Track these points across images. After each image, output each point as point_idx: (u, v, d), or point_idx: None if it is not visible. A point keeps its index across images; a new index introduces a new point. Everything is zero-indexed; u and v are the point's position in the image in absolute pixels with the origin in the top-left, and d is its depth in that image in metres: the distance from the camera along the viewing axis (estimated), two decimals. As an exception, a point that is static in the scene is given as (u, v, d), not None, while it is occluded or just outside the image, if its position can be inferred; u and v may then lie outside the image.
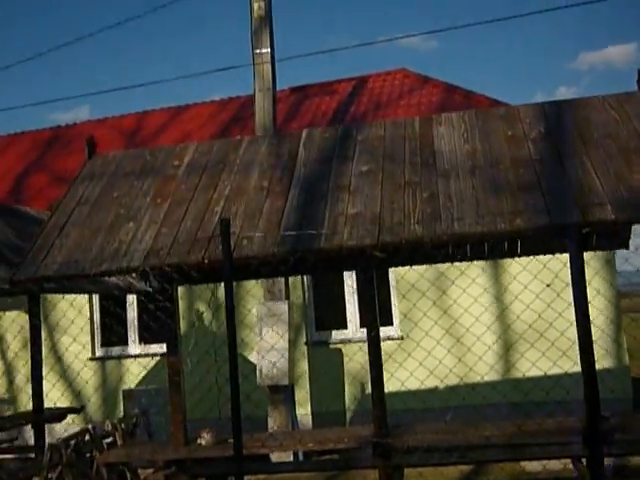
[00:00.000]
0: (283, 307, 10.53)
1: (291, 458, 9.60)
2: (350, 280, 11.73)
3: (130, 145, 14.47)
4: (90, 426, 8.07)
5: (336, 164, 5.94)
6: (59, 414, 9.42)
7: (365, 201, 5.43)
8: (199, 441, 6.47)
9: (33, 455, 9.21)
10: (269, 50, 10.84)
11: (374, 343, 6.16)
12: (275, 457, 8.80)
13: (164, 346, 12.17)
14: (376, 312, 6.18)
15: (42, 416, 9.14)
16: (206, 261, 5.23)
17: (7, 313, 12.73)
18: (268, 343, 10.37)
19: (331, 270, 5.85)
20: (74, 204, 6.18)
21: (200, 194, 5.95)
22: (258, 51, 10.86)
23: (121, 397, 11.51)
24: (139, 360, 12.22)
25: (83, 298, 12.28)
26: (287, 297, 10.81)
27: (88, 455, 7.69)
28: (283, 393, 10.63)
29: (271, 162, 6.18)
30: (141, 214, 5.87)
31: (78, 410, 9.89)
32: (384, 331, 11.42)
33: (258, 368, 10.53)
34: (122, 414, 11.08)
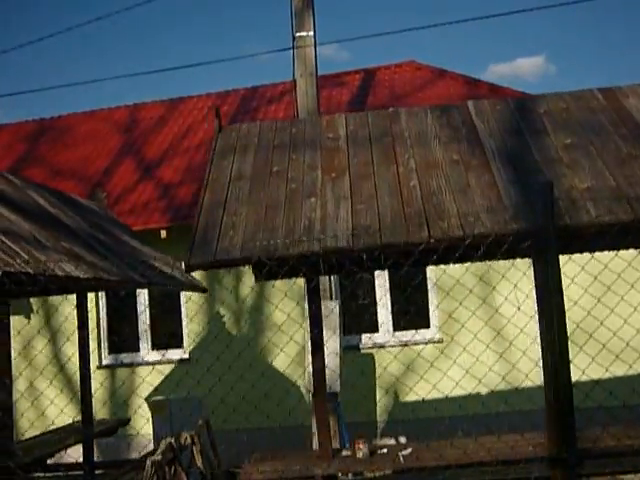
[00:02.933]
0: (333, 306, 9.76)
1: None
2: (382, 279, 11.08)
3: (129, 139, 13.36)
4: (172, 440, 7.13)
5: (530, 137, 5.36)
6: (109, 428, 8.36)
7: (590, 175, 4.85)
8: (357, 453, 5.69)
9: (81, 473, 8.15)
10: (312, 33, 10.13)
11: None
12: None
13: (180, 352, 11.39)
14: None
15: (92, 429, 8.08)
16: (432, 240, 4.52)
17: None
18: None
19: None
20: (226, 180, 5.35)
21: (381, 168, 5.25)
22: (300, 34, 10.11)
23: (134, 408, 10.52)
24: (153, 368, 11.12)
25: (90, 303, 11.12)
26: (331, 296, 10.08)
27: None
28: (330, 402, 9.85)
29: (447, 134, 5.54)
30: (319, 189, 5.11)
31: (127, 422, 8.86)
32: (421, 334, 10.95)
33: (307, 374, 9.74)
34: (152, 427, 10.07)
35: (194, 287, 8.37)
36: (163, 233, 10.38)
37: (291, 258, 4.57)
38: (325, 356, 9.31)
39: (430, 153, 5.33)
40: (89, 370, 8.44)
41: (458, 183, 4.97)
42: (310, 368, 9.52)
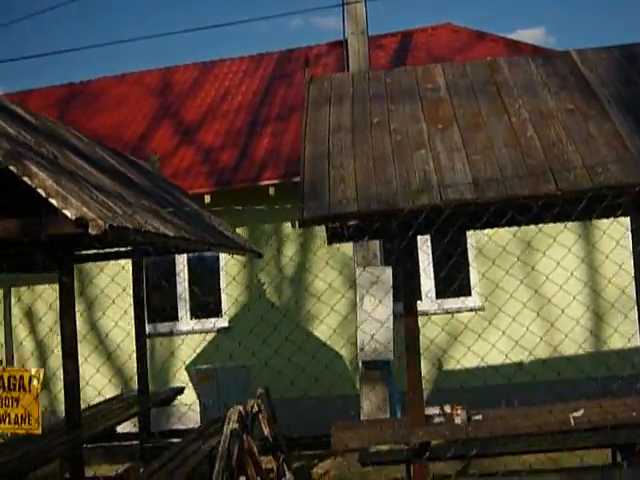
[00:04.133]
0: (386, 273, 9.46)
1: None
2: (425, 246, 10.77)
3: (164, 103, 12.99)
4: (241, 408, 6.87)
5: (645, 85, 5.04)
6: (167, 397, 8.11)
7: None
8: (455, 419, 5.43)
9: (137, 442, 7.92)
10: (362, -12, 9.77)
11: None
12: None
13: (219, 321, 11.12)
14: None
15: (149, 399, 7.82)
16: (560, 192, 4.24)
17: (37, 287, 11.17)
18: (369, 313, 9.31)
19: None
20: (325, 131, 5.05)
21: (492, 118, 4.96)
22: (350, -8, 9.76)
23: (174, 378, 10.30)
24: (191, 337, 10.84)
25: (124, 269, 10.77)
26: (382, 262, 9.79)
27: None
28: (381, 369, 9.61)
29: (556, 83, 5.23)
30: (427, 141, 4.81)
31: (182, 391, 8.61)
32: (462, 302, 10.69)
33: (359, 341, 9.47)
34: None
35: (252, 251, 8.09)
36: (207, 198, 10.08)
37: (411, 211, 4.28)
38: (377, 323, 9.20)
39: (542, 103, 5.04)
40: (145, 338, 8.19)
41: (579, 133, 4.69)
42: (364, 336, 9.31)
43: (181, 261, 11.10)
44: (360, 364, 9.66)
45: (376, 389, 9.50)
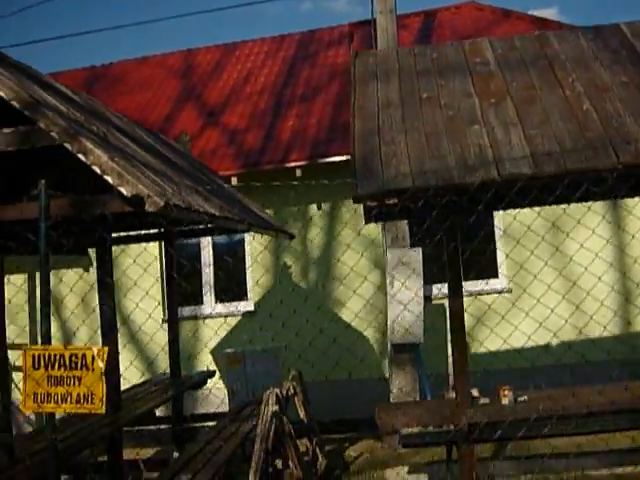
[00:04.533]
0: (416, 255, 9.37)
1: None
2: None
3: (187, 85, 12.88)
4: (277, 390, 6.82)
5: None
6: (198, 380, 8.07)
7: None
8: (502, 400, 5.37)
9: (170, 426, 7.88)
10: (391, -34, 9.64)
11: None
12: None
13: (244, 304, 11.05)
14: None
15: (181, 382, 7.78)
16: (621, 165, 4.15)
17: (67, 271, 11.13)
18: (399, 295, 9.23)
19: None
20: (374, 107, 4.96)
21: (545, 92, 4.85)
22: (380, -33, 9.64)
23: (199, 361, 10.24)
24: (216, 320, 10.77)
25: (147, 251, 10.68)
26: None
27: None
28: (411, 352, 9.54)
29: (607, 56, 5.13)
30: (480, 115, 4.71)
31: (213, 374, 8.57)
32: (488, 284, 10.55)
33: (389, 324, 9.41)
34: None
35: (284, 232, 8.02)
36: (234, 180, 10.00)
37: (470, 186, 4.20)
38: (408, 304, 9.11)
39: (595, 76, 4.93)
40: (177, 321, 8.13)
41: (635, 106, 4.59)
42: (394, 319, 9.24)
43: (205, 244, 11.04)
44: (389, 347, 9.59)
45: (406, 372, 9.43)
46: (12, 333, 10.80)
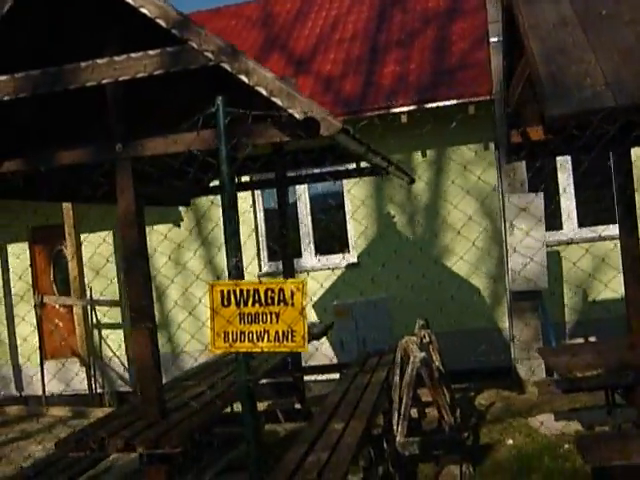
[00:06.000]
0: (537, 200, 8.98)
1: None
2: (565, 169, 10.18)
3: (269, 34, 12.56)
4: (415, 338, 6.57)
5: None
6: (319, 331, 7.89)
7: None
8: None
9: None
10: None
11: None
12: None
13: (347, 256, 10.76)
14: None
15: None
16: None
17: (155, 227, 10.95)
18: (520, 243, 8.86)
19: None
20: (548, 27, 4.58)
21: None
22: None
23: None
24: (317, 274, 10.51)
25: (241, 198, 10.38)
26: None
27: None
28: (532, 300, 9.20)
29: None
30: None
31: (331, 326, 8.38)
32: (610, 230, 10.04)
33: (510, 272, 9.07)
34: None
35: (406, 174, 7.71)
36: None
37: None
38: (529, 252, 8.74)
39: None
40: (293, 271, 7.89)
41: None
42: (516, 266, 8.89)
43: (301, 193, 10.77)
44: (508, 296, 9.31)
45: (528, 319, 9.16)
46: (99, 285, 10.78)
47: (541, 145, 5.95)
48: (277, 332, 3.39)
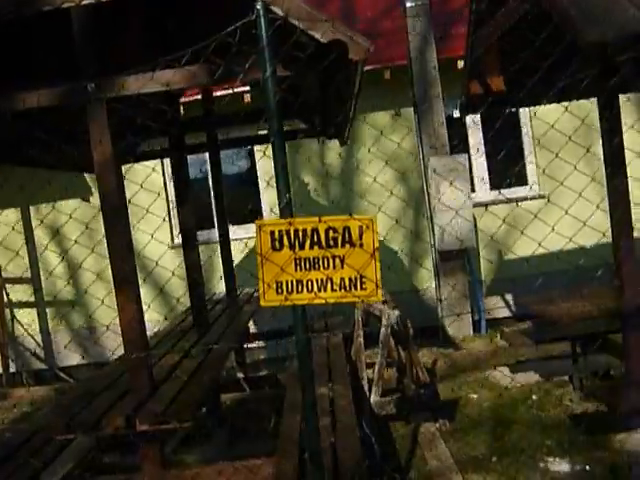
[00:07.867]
0: (462, 160, 8.98)
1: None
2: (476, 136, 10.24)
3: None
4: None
5: None
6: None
7: None
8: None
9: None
10: None
11: None
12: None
13: (253, 228, 10.25)
14: None
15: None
16: None
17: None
18: (446, 201, 8.84)
19: None
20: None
21: None
22: None
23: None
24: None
25: (155, 171, 9.75)
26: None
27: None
28: (459, 259, 9.20)
29: None
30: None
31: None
32: (519, 191, 10.17)
33: (437, 232, 9.02)
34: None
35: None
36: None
37: None
38: (455, 211, 8.71)
39: None
40: (229, 240, 7.42)
41: None
42: (443, 226, 8.83)
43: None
44: (436, 256, 9.25)
45: (456, 278, 9.16)
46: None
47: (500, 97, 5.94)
48: (343, 279, 2.96)
